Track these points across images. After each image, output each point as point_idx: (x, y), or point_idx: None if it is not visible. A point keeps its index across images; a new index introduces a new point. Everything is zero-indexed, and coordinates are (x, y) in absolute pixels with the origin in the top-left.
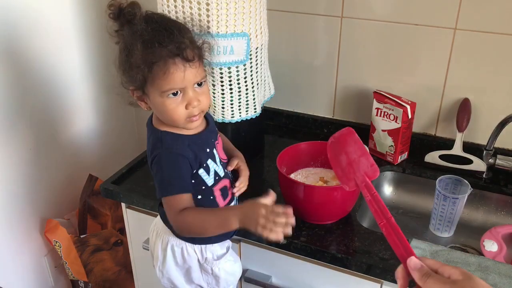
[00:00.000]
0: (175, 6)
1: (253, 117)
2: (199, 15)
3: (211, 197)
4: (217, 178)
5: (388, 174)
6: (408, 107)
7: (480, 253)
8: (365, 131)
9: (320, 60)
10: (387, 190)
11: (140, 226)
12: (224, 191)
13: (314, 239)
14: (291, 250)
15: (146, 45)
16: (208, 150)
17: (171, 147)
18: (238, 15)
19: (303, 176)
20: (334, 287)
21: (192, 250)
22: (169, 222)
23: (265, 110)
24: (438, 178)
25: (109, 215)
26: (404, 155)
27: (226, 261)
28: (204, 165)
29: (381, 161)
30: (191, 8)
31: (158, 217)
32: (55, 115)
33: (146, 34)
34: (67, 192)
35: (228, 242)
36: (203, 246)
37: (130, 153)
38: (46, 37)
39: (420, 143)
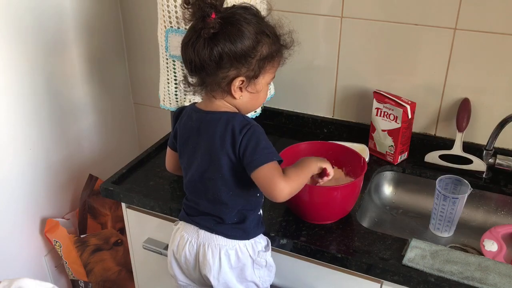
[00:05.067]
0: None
1: (253, 117)
2: None
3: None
4: None
5: (388, 174)
6: (408, 107)
7: (480, 253)
8: (365, 131)
9: (320, 60)
10: (387, 190)
11: (140, 226)
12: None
13: (314, 239)
14: (291, 250)
15: (274, 35)
16: None
17: (256, 123)
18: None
19: None
20: (334, 287)
21: (245, 248)
22: (268, 191)
23: (265, 110)
24: (438, 178)
25: (109, 215)
26: (404, 155)
27: (270, 251)
28: None
29: (381, 161)
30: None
31: (193, 229)
32: (55, 114)
33: (268, 25)
34: (67, 192)
35: (265, 236)
36: (252, 241)
37: (131, 153)
38: (45, 36)
39: (420, 143)
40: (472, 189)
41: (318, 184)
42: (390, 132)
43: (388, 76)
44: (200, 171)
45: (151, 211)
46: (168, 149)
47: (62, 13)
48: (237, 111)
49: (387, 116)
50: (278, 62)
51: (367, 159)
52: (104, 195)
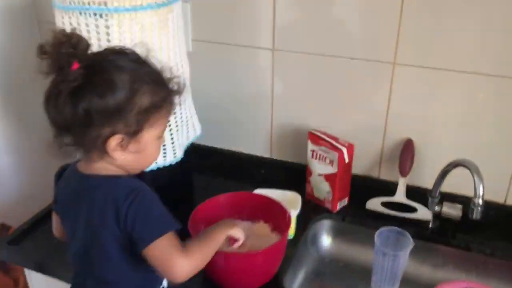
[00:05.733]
0: None
1: (173, 163)
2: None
3: None
4: None
5: (326, 223)
6: (345, 150)
7: None
8: (303, 173)
9: (254, 95)
10: (326, 240)
11: None
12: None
13: None
14: None
15: (158, 81)
16: None
17: (143, 187)
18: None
19: None
20: None
21: None
22: (165, 270)
23: (197, 148)
24: (378, 231)
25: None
26: (344, 201)
27: None
28: None
29: (319, 208)
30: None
31: None
32: None
33: (151, 70)
34: None
35: None
36: None
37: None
38: None
39: (362, 186)
40: (414, 243)
41: (229, 250)
42: (327, 177)
43: (325, 114)
44: (84, 245)
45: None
46: (53, 213)
47: None
48: (121, 173)
49: (323, 159)
50: (168, 111)
51: (298, 211)
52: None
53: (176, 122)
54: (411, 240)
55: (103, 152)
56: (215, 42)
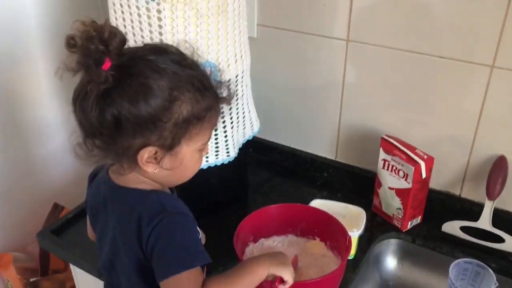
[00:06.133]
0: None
1: (225, 162)
2: (151, 39)
3: None
4: None
5: (394, 243)
6: (423, 163)
7: None
8: (372, 181)
9: (322, 89)
10: (391, 262)
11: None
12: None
13: None
14: None
15: (203, 88)
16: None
17: (176, 207)
18: (201, 40)
19: (265, 250)
20: None
21: None
22: None
23: (256, 142)
24: (453, 263)
25: None
26: (417, 220)
27: None
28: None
29: (387, 225)
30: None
31: None
32: (16, 136)
33: (196, 74)
34: (29, 222)
35: None
36: None
37: None
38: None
39: (440, 205)
40: (497, 283)
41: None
42: (399, 192)
43: (403, 117)
44: (110, 260)
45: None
46: (88, 216)
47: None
48: (155, 187)
49: (396, 171)
50: (211, 123)
51: (361, 231)
52: (41, 245)
53: (231, 118)
54: (495, 278)
55: (135, 163)
56: (283, 28)
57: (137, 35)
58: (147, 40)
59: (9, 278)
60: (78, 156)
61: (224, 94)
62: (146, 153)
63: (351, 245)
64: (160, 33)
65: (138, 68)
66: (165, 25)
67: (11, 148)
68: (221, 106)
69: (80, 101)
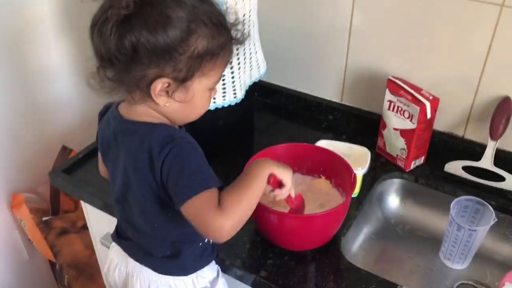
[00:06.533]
0: None
1: (232, 104)
2: None
3: None
4: None
5: (397, 182)
6: (428, 104)
7: None
8: (377, 124)
9: (328, 30)
10: (394, 201)
11: (99, 219)
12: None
13: (278, 274)
14: (250, 284)
15: (219, 25)
16: None
17: (183, 137)
18: None
19: None
20: None
21: (183, 285)
22: (203, 231)
23: (261, 86)
24: (454, 200)
25: None
26: (420, 161)
27: (222, 284)
28: None
29: (390, 165)
30: None
31: (118, 251)
32: (25, 80)
33: (213, 10)
34: (39, 164)
35: (215, 265)
36: (193, 275)
37: None
38: None
39: (443, 145)
40: (496, 219)
41: (274, 198)
42: (403, 133)
43: (410, 59)
44: (122, 192)
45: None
46: (99, 153)
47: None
48: (164, 121)
49: (401, 112)
50: (225, 61)
51: (365, 169)
52: (53, 184)
53: (238, 59)
54: (494, 214)
55: (147, 95)
56: None
57: None
58: None
59: (22, 217)
60: (91, 86)
61: (238, 35)
62: (159, 84)
63: (356, 182)
64: None
65: None
66: None
67: (17, 91)
68: (233, 46)
69: (99, 26)
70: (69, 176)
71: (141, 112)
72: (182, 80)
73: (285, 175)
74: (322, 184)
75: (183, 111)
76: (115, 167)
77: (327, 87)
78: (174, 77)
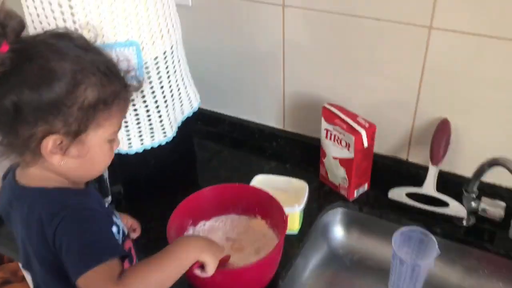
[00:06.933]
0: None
1: (162, 143)
2: (64, 20)
3: None
4: (123, 237)
5: (341, 212)
6: (364, 132)
7: None
8: (319, 150)
9: (264, 58)
10: (338, 231)
11: None
12: (130, 255)
13: None
14: None
15: (108, 72)
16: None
17: (81, 203)
18: (118, 19)
19: (206, 231)
20: None
21: None
22: None
23: (204, 114)
24: (396, 232)
25: None
26: (364, 188)
27: None
28: (114, 221)
29: (334, 194)
30: (53, 12)
31: None
32: None
33: (101, 59)
34: None
35: None
36: None
37: None
38: None
39: (388, 169)
40: (439, 252)
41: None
42: (342, 162)
43: (346, 84)
44: (26, 260)
45: None
46: None
47: None
48: (62, 183)
49: (338, 141)
50: (120, 110)
51: (302, 206)
52: None
53: (164, 96)
54: (437, 246)
55: (38, 155)
56: None
57: (49, 17)
58: (60, 23)
59: None
60: None
61: (133, 82)
62: (50, 142)
63: (286, 225)
64: (72, 14)
65: (38, 51)
66: (76, 5)
67: None
68: (131, 93)
69: None
70: None
71: (34, 176)
72: (75, 134)
73: (210, 262)
74: (258, 224)
75: (81, 168)
76: (17, 235)
77: (268, 114)
78: (65, 132)
